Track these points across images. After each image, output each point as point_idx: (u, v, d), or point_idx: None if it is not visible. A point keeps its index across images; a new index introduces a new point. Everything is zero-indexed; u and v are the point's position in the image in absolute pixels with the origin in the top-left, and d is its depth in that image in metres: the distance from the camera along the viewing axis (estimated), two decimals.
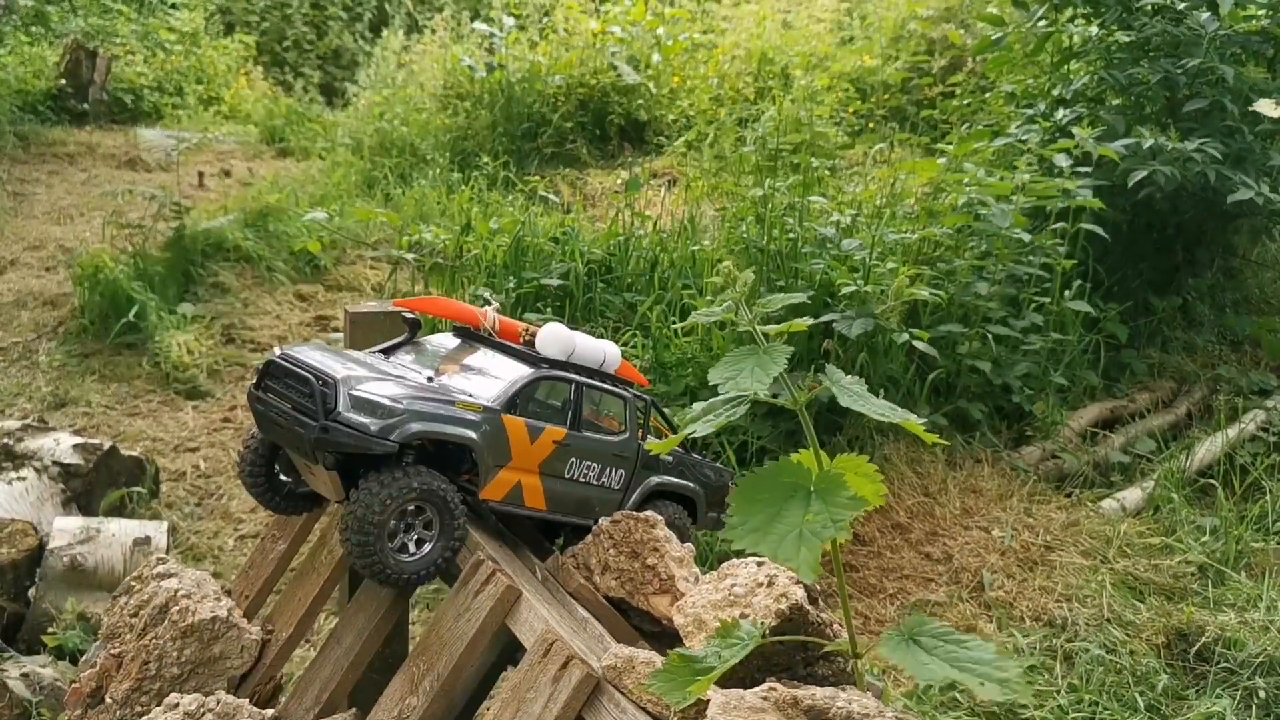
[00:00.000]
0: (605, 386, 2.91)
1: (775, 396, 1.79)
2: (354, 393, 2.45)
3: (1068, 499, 6.16)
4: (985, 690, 1.58)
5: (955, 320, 6.45)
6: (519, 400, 2.70)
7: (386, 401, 2.46)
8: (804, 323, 1.73)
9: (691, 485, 3.08)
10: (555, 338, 2.87)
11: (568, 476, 2.79)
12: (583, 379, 2.85)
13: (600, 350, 2.96)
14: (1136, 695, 4.58)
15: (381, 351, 2.92)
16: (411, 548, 2.50)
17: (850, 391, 1.73)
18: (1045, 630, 5.07)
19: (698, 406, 1.81)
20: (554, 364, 2.82)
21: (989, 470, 6.21)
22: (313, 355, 2.62)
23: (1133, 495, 6.16)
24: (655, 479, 2.99)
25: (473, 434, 2.56)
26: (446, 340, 2.99)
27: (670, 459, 3.03)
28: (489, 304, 3.06)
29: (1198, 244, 8.02)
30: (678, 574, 2.69)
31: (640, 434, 2.98)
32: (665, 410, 3.27)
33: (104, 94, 14.37)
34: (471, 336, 2.98)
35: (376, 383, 2.52)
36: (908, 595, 5.42)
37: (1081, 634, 5.01)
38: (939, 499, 5.98)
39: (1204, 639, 4.79)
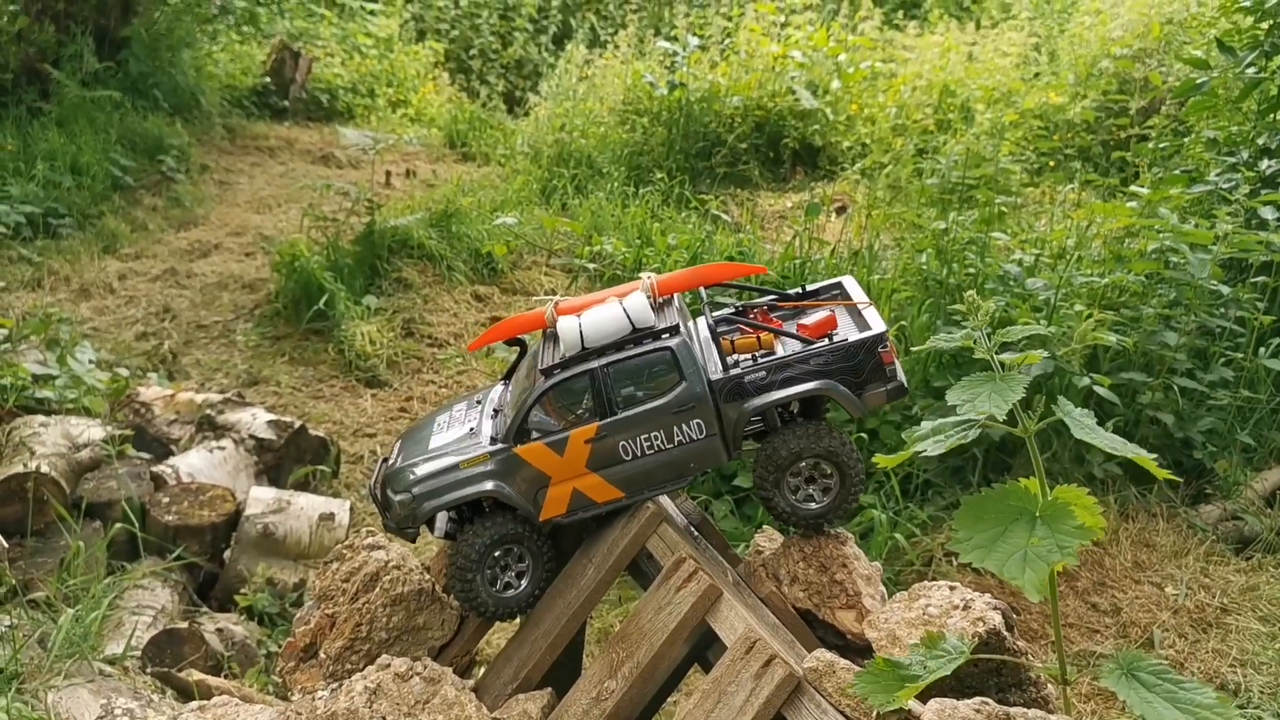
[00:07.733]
0: (634, 352, 2.71)
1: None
2: (388, 492, 2.88)
3: (1247, 562, 5.91)
4: None
5: (1138, 368, 6.27)
6: (527, 427, 2.72)
7: (400, 497, 2.83)
8: (1039, 354, 1.77)
9: (811, 385, 2.67)
10: (563, 339, 2.75)
11: (628, 458, 2.71)
12: (600, 363, 2.71)
13: (616, 316, 2.73)
14: None
15: (505, 376, 3.12)
16: (513, 583, 2.81)
17: (1081, 424, 1.77)
18: (1218, 695, 4.89)
19: (926, 425, 1.87)
20: (564, 365, 2.72)
21: (1164, 525, 6.02)
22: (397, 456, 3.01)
23: None
24: (753, 403, 2.70)
25: (489, 485, 2.73)
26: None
27: (762, 372, 2.70)
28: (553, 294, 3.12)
29: None
30: (864, 591, 2.74)
31: (719, 369, 2.74)
32: (759, 308, 3.06)
33: (303, 92, 15.19)
34: (509, 375, 3.09)
35: (403, 471, 2.86)
36: (1071, 644, 5.31)
37: (1255, 701, 4.83)
38: (1109, 549, 5.83)
39: None
